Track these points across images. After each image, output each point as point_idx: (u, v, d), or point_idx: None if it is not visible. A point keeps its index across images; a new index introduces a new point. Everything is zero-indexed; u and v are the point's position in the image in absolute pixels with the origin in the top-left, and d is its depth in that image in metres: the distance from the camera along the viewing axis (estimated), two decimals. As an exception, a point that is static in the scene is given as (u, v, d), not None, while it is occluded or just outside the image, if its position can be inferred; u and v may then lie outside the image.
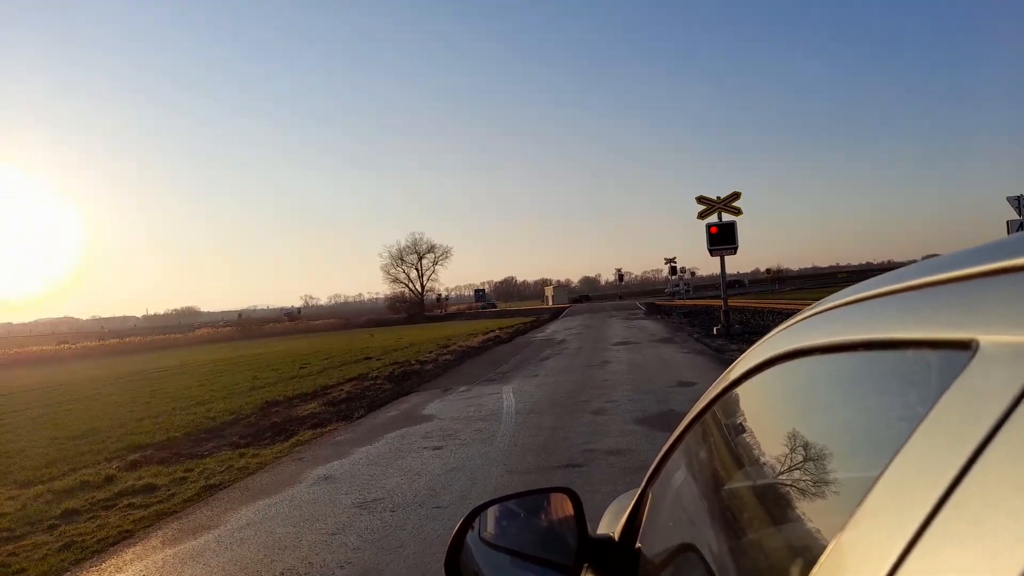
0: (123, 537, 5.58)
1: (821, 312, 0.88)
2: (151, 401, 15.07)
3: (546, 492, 1.49)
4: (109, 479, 7.60)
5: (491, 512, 1.47)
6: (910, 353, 0.61)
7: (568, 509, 1.40)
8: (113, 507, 6.52)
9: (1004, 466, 0.40)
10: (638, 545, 1.35)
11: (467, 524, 1.40)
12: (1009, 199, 15.10)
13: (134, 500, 6.70)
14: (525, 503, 1.54)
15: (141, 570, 4.77)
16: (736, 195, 19.93)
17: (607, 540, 1.42)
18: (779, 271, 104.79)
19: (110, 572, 4.80)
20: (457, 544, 1.37)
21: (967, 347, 0.49)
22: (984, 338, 0.48)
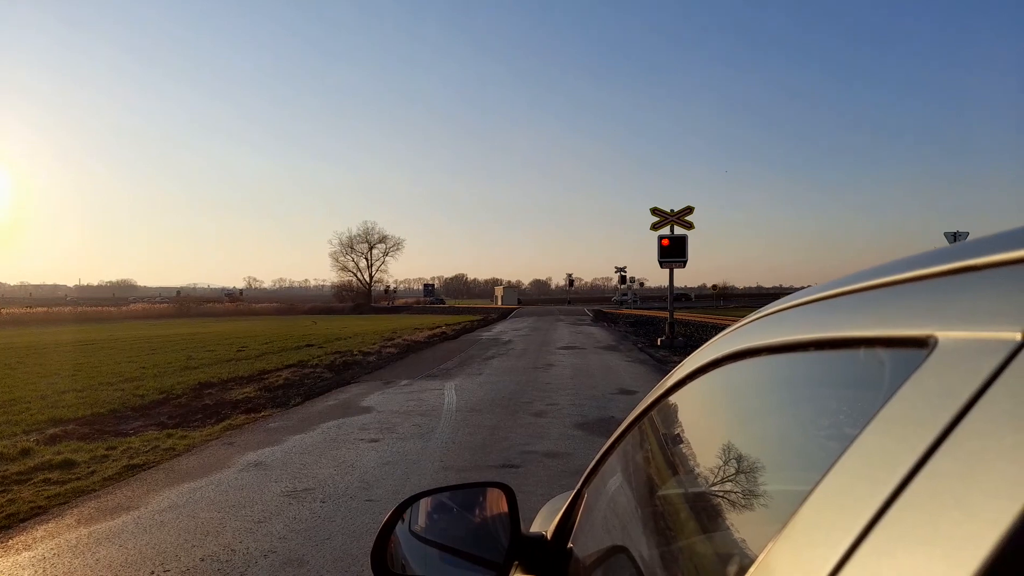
0: (35, 513, 5.32)
1: (771, 314, 0.87)
2: (77, 375, 14.46)
3: (481, 487, 1.46)
4: (25, 452, 7.25)
5: (423, 504, 1.43)
6: (863, 352, 0.59)
7: (502, 505, 1.38)
8: (27, 482, 6.22)
9: (961, 462, 0.38)
10: (570, 545, 1.33)
11: (397, 515, 1.37)
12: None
13: (50, 475, 6.40)
14: (458, 496, 1.51)
15: (52, 548, 4.55)
16: (689, 209, 20.28)
17: (539, 538, 1.40)
18: (725, 288, 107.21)
19: (17, 550, 4.56)
20: (385, 535, 1.33)
21: (924, 344, 0.48)
22: (943, 334, 0.47)
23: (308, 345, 21.78)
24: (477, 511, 1.47)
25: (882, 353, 0.56)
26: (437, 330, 29.14)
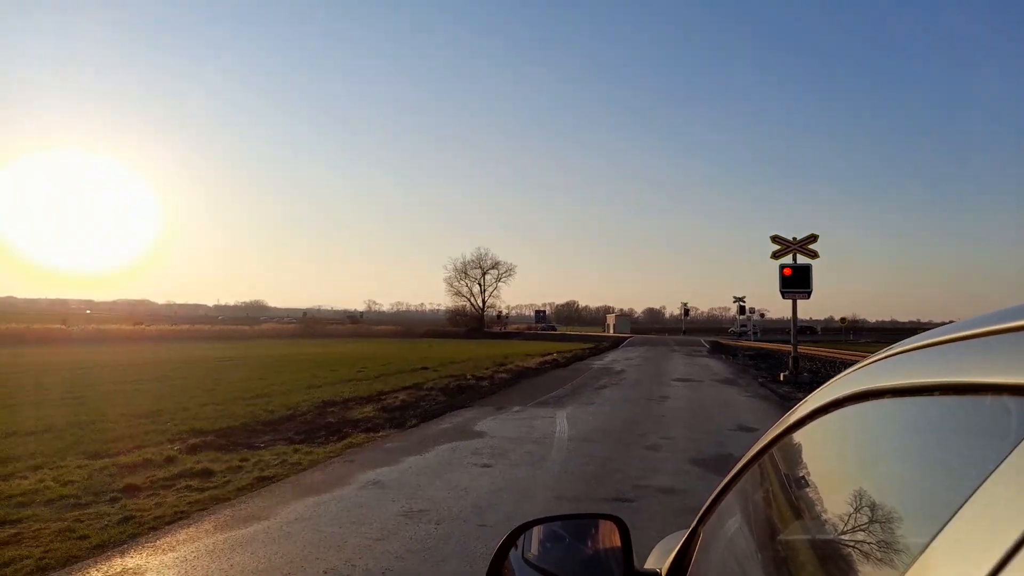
0: (179, 517, 5.75)
1: (894, 355, 0.84)
2: (214, 389, 15.59)
3: (594, 518, 1.47)
4: (170, 460, 7.87)
5: (535, 532, 1.45)
6: (989, 399, 0.58)
7: (615, 539, 1.38)
8: (171, 487, 6.74)
9: None
10: None
11: (510, 542, 1.39)
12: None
13: (191, 483, 6.90)
14: (571, 526, 1.52)
15: (192, 552, 4.89)
16: (813, 237, 19.36)
17: (654, 575, 1.39)
18: (855, 321, 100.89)
19: (163, 550, 4.94)
20: (499, 561, 1.36)
21: None
22: None
23: (424, 368, 22.43)
24: (589, 542, 1.47)
25: (1009, 401, 0.54)
26: (548, 357, 29.20)
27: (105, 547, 5.00)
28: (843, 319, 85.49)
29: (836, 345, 43.99)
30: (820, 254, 19.23)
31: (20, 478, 6.86)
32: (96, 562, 4.70)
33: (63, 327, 51.49)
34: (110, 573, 4.50)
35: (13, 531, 5.28)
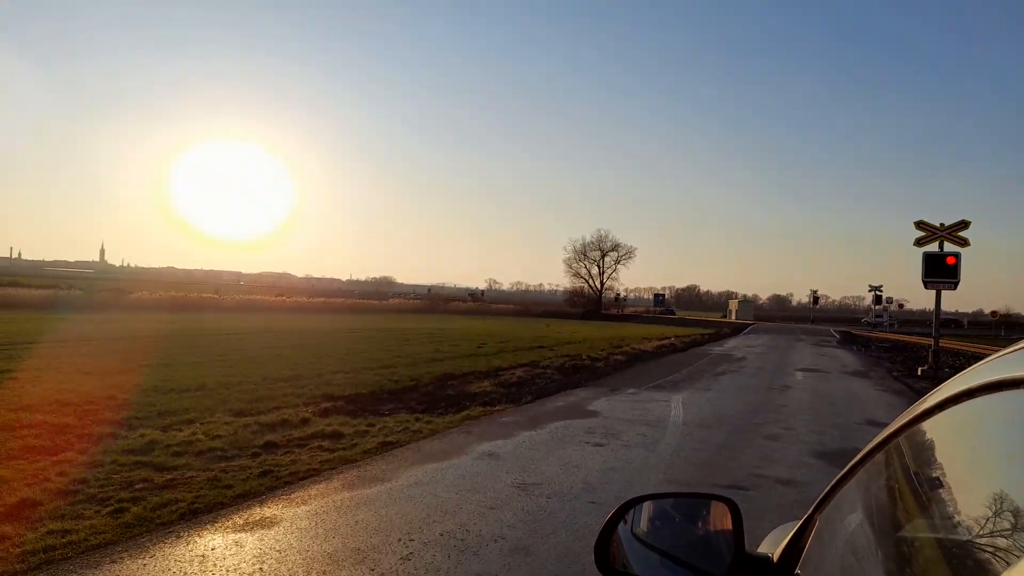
0: (311, 474, 6.24)
1: None
2: (345, 357, 16.57)
3: (705, 498, 1.46)
4: (304, 421, 8.50)
5: (645, 507, 1.46)
6: None
7: (726, 521, 1.37)
8: (305, 446, 7.30)
9: None
10: (797, 572, 1.29)
11: (620, 515, 1.41)
12: None
13: (323, 443, 7.45)
14: (682, 505, 1.53)
15: (323, 506, 5.31)
16: (964, 224, 17.77)
17: (765, 559, 1.38)
18: (1007, 316, 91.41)
19: (296, 503, 5.40)
20: (608, 533, 1.38)
21: None
22: None
23: (540, 347, 22.71)
24: (700, 523, 1.46)
25: None
26: (666, 341, 28.67)
27: (247, 496, 5.52)
28: (994, 312, 77.62)
29: (984, 340, 40.10)
30: (971, 242, 17.65)
31: (176, 430, 7.65)
32: (238, 509, 5.21)
33: (215, 296, 56.17)
34: (250, 520, 4.98)
35: (169, 476, 5.94)
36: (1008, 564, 0.62)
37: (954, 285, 17.64)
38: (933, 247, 17.84)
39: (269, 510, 5.20)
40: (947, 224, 17.89)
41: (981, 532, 0.70)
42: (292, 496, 5.57)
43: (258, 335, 23.96)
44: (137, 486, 5.62)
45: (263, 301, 57.03)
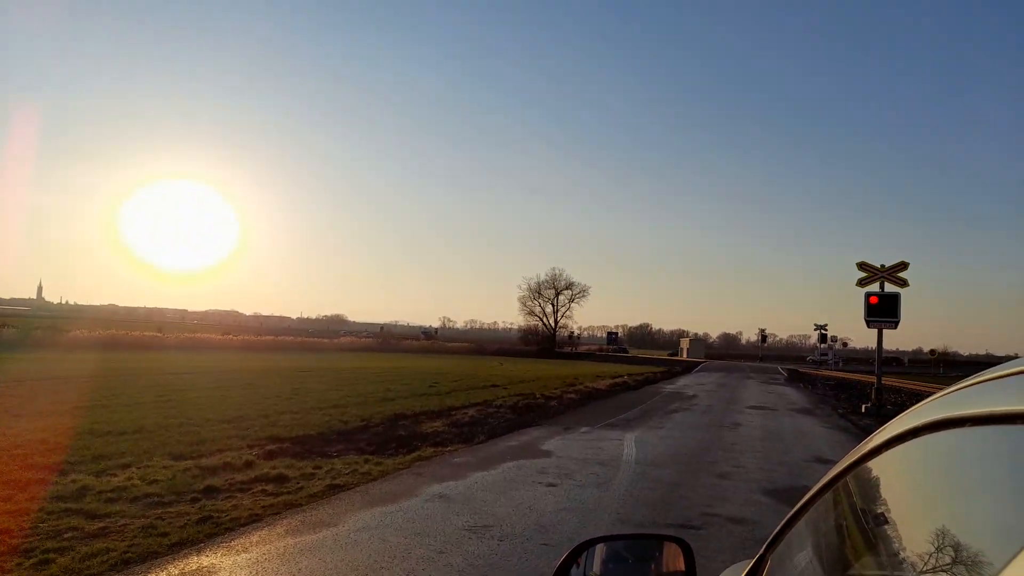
0: (253, 520, 5.98)
1: (979, 383, 0.80)
2: (293, 398, 16.14)
3: (658, 538, 1.45)
4: (248, 464, 8.19)
5: (598, 550, 1.45)
6: None
7: (679, 562, 1.36)
8: (248, 491, 7.02)
9: None
10: None
11: (572, 559, 1.39)
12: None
13: (267, 487, 7.17)
14: (634, 547, 1.51)
15: (264, 553, 5.08)
16: (903, 265, 18.51)
17: None
18: (946, 354, 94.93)
19: (237, 551, 5.15)
20: None
21: None
22: None
23: (494, 385, 22.55)
24: (652, 565, 1.45)
25: None
26: (619, 379, 28.82)
27: (183, 545, 5.25)
28: (932, 351, 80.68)
29: (924, 378, 41.53)
30: (910, 282, 18.36)
31: (110, 475, 7.29)
32: (174, 559, 4.95)
33: (159, 334, 54.35)
34: (186, 570, 4.73)
35: (101, 524, 5.63)
36: None
37: (895, 324, 18.27)
38: (875, 287, 18.48)
39: (207, 559, 4.95)
40: (887, 265, 18.60)
41: (924, 568, 0.72)
42: (232, 544, 5.32)
43: (202, 375, 23.21)
44: (66, 535, 5.31)
45: (209, 339, 55.47)
